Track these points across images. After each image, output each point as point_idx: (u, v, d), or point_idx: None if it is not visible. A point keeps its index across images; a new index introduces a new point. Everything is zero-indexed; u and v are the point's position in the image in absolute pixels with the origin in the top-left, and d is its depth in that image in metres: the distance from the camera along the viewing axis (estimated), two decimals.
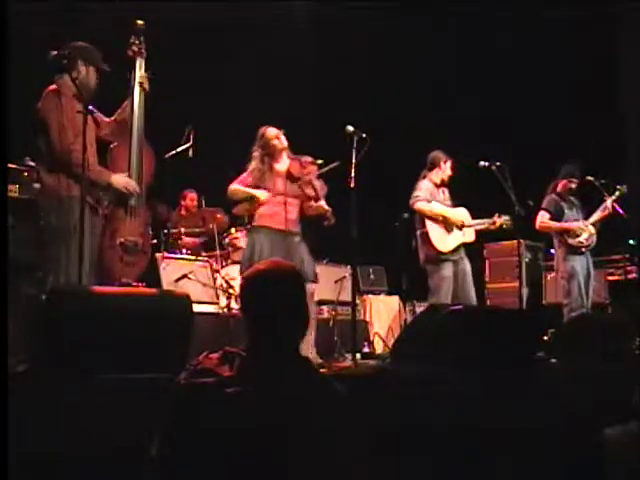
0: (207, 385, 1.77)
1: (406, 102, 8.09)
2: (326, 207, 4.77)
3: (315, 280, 4.82)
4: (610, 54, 7.61)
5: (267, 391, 1.78)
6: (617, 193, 6.09)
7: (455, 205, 5.77)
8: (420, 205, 5.57)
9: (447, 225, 5.57)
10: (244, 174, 4.88)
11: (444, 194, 5.76)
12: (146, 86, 4.13)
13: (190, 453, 1.74)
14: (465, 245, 5.67)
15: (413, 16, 7.80)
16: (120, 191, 3.99)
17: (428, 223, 5.55)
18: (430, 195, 5.62)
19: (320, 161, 4.83)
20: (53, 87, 3.86)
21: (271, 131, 4.90)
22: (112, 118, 4.19)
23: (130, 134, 4.12)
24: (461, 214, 5.70)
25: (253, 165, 4.86)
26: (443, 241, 5.55)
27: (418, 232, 5.65)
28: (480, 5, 7.59)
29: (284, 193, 4.73)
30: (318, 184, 4.79)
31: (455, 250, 5.57)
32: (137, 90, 4.13)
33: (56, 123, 3.77)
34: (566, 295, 5.99)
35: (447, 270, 5.50)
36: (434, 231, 5.55)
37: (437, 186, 5.72)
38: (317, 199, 4.79)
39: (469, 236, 5.68)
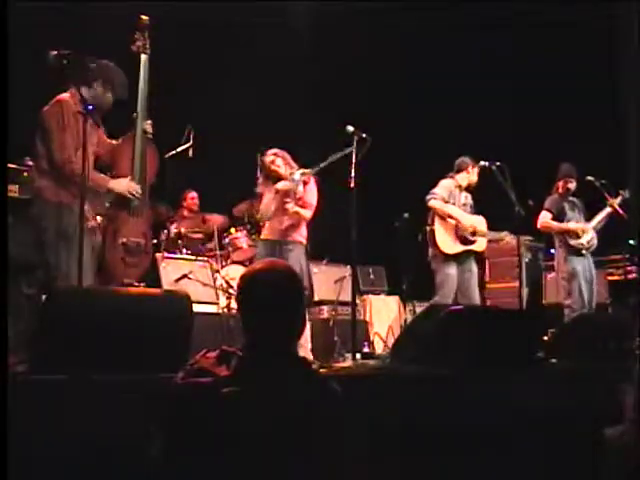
0: (203, 385, 1.77)
1: (406, 102, 8.08)
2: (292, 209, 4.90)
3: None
4: (610, 54, 7.61)
5: (264, 391, 1.78)
6: (619, 197, 6.08)
7: (475, 212, 5.79)
8: (434, 202, 5.59)
9: (457, 229, 5.58)
10: None
11: (466, 198, 5.78)
12: (150, 131, 4.15)
13: (187, 453, 1.74)
14: (474, 253, 5.68)
15: (414, 16, 7.80)
16: (121, 195, 3.99)
17: (437, 222, 5.58)
18: (449, 195, 5.65)
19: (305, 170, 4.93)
20: (61, 97, 3.83)
21: (267, 158, 5.09)
22: (113, 142, 4.17)
23: (134, 132, 4.11)
24: (477, 222, 5.70)
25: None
26: (448, 243, 5.56)
27: (427, 229, 5.68)
28: (480, 5, 7.59)
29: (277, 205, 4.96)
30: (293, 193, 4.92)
31: (460, 254, 5.59)
32: (143, 60, 4.08)
33: (57, 134, 3.75)
34: (567, 296, 5.98)
35: (451, 268, 5.54)
36: (441, 231, 5.57)
37: (460, 189, 5.75)
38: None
39: (480, 245, 5.69)
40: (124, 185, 3.99)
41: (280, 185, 4.93)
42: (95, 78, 3.88)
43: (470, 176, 5.75)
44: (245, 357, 1.84)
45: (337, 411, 1.86)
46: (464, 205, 5.73)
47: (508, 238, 5.75)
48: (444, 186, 5.68)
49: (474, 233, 5.62)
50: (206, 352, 1.88)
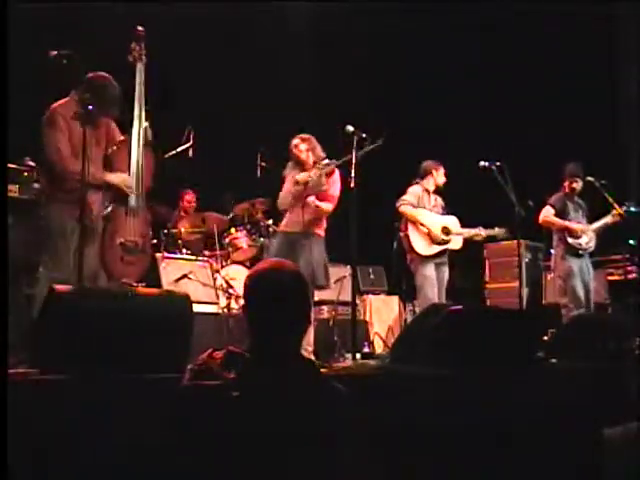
0: (211, 388, 1.76)
1: (407, 102, 8.09)
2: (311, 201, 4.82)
3: (322, 285, 4.87)
4: (611, 54, 7.62)
5: (270, 393, 1.78)
6: (624, 209, 6.08)
7: (448, 212, 5.86)
8: (404, 208, 5.70)
9: (430, 231, 5.67)
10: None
11: (435, 201, 5.87)
12: (149, 137, 4.23)
13: (194, 454, 1.74)
14: (451, 251, 5.76)
15: (413, 15, 7.80)
16: (117, 188, 4.05)
17: (410, 227, 5.69)
18: (418, 200, 5.75)
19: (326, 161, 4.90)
20: (55, 105, 3.97)
21: (293, 141, 5.03)
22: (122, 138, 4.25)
23: (131, 138, 4.18)
24: (449, 222, 5.78)
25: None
26: (424, 245, 5.66)
27: (401, 234, 5.78)
28: (480, 5, 7.59)
29: (296, 197, 4.89)
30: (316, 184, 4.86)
31: (437, 255, 5.67)
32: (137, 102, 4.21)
33: (50, 138, 3.90)
34: (562, 295, 6.01)
35: (429, 270, 5.64)
36: (415, 235, 5.68)
37: (429, 192, 5.84)
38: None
39: (455, 243, 5.77)
40: (119, 179, 4.07)
41: (300, 176, 4.88)
42: (87, 91, 3.95)
43: (436, 179, 5.86)
44: (252, 359, 1.83)
45: (342, 412, 1.85)
46: (434, 207, 5.82)
47: (483, 233, 5.82)
48: (412, 192, 5.79)
49: (447, 233, 5.70)
50: (212, 352, 1.87)
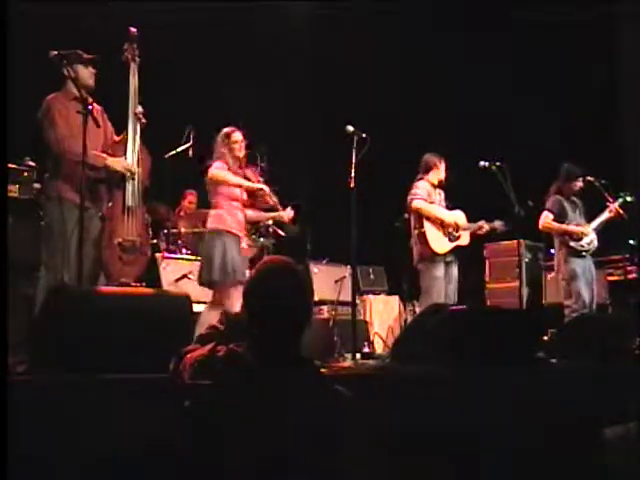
0: (212, 387, 1.77)
1: (406, 102, 8.08)
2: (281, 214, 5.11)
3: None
4: (611, 54, 7.62)
5: (271, 393, 1.78)
6: (620, 200, 6.07)
7: (451, 207, 5.81)
8: (419, 203, 5.59)
9: (444, 227, 5.61)
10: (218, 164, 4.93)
11: (440, 195, 5.80)
12: (142, 119, 4.24)
13: (195, 453, 1.74)
14: (459, 248, 5.71)
15: (413, 15, 7.80)
16: (118, 172, 4.07)
17: (426, 223, 5.58)
18: (427, 195, 5.66)
19: None
20: (49, 97, 4.00)
21: (238, 135, 4.99)
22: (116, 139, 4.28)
23: (126, 136, 4.20)
24: (457, 216, 5.73)
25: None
26: (439, 242, 5.59)
27: (416, 232, 5.66)
28: (480, 5, 7.59)
29: (241, 199, 4.93)
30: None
31: (449, 252, 5.62)
32: (132, 81, 4.25)
33: (48, 124, 3.91)
34: (567, 297, 5.96)
35: (439, 271, 5.55)
36: (431, 231, 5.58)
37: (435, 187, 5.76)
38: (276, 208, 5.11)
39: (464, 239, 5.73)
40: (120, 164, 4.09)
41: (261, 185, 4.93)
42: (74, 62, 4.00)
43: (440, 172, 5.75)
44: (253, 359, 1.83)
45: (343, 412, 1.85)
46: (440, 202, 5.76)
47: (486, 226, 5.78)
48: (422, 187, 5.68)
49: (457, 228, 5.67)
50: (214, 347, 1.87)
